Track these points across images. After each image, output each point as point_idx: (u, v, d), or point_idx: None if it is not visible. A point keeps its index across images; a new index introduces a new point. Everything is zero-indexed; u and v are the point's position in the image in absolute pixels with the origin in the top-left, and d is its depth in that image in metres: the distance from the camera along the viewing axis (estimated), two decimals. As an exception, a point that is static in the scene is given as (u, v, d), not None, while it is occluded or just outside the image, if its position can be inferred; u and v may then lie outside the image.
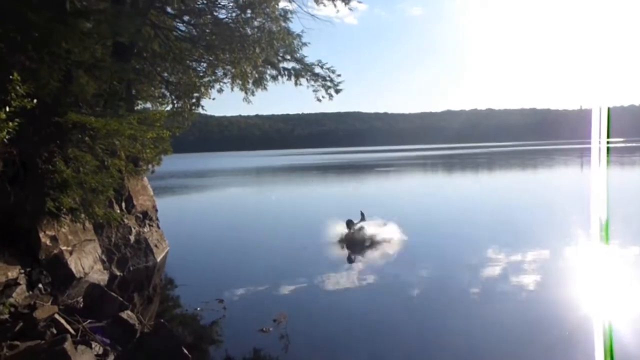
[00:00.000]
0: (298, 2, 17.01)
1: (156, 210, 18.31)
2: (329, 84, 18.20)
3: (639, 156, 77.93)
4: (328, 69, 18.25)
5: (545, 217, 22.24)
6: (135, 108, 16.91)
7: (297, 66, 18.26)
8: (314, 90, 18.34)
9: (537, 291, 12.44)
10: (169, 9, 16.92)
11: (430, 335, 9.99)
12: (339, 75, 18.33)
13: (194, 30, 17.08)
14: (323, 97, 18.43)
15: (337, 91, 18.33)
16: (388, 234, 18.49)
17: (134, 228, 15.97)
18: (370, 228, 18.80)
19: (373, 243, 18.14)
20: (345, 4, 17.12)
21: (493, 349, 9.16)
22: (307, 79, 18.21)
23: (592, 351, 8.67)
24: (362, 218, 19.61)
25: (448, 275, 14.24)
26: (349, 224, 18.71)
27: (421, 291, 12.76)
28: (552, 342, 9.21)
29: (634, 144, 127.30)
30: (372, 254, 17.17)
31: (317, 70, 18.20)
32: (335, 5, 17.07)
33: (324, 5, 17.13)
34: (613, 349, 8.61)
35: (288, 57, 18.07)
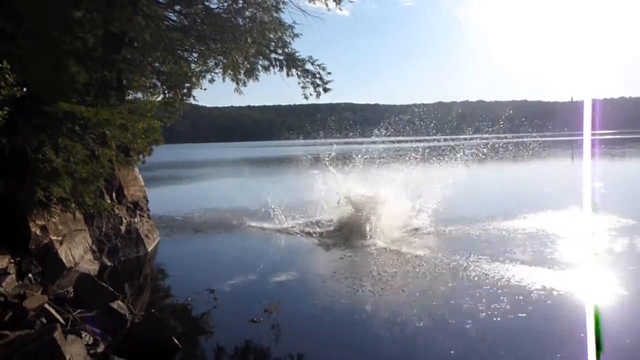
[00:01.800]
0: (289, -4, 16.91)
1: (147, 201, 18.27)
2: (318, 81, 18.10)
3: (628, 148, 78.38)
4: (319, 65, 18.16)
5: (538, 204, 22.31)
6: (126, 98, 16.81)
7: (289, 59, 18.16)
8: (302, 87, 18.24)
9: (525, 263, 12.62)
10: (160, -2, 16.80)
11: (423, 320, 10.01)
12: (329, 73, 18.24)
13: (185, 20, 16.95)
14: (311, 94, 18.32)
15: (326, 90, 18.21)
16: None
17: (125, 218, 15.94)
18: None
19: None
20: (337, 3, 17.08)
21: (483, 323, 9.22)
22: (298, 74, 18.12)
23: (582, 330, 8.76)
24: None
25: (441, 256, 14.35)
26: None
27: (414, 277, 12.81)
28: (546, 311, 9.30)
29: (624, 136, 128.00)
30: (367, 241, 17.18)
31: (308, 66, 18.11)
32: (327, 5, 17.03)
33: (314, 4, 17.08)
34: (600, 328, 8.68)
35: (279, 51, 17.98)
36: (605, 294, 11.13)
